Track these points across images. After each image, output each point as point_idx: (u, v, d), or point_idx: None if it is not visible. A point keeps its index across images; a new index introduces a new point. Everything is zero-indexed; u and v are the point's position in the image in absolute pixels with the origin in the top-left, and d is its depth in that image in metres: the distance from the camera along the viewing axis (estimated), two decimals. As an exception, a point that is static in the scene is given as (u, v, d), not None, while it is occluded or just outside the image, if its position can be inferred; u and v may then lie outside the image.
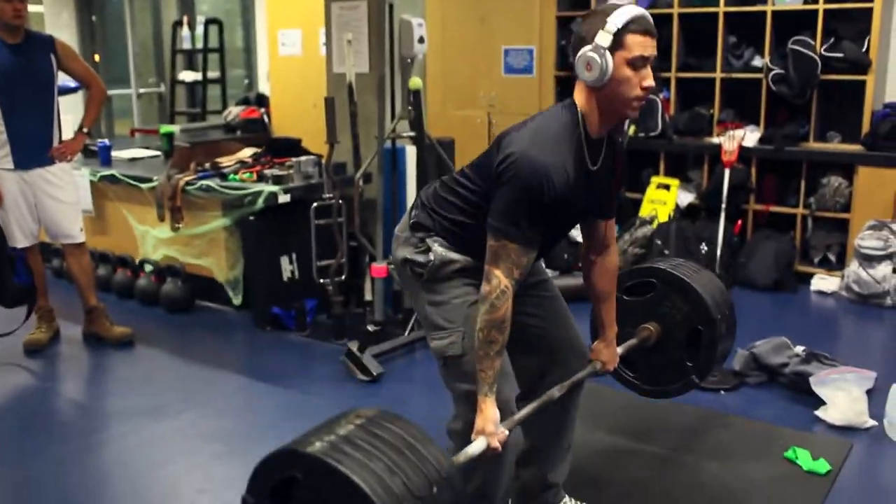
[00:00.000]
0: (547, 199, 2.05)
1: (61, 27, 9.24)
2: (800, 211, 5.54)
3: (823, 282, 5.30)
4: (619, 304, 2.67)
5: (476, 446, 2.06)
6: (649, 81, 2.08)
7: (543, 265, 2.60)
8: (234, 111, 7.27)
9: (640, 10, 2.08)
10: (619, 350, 2.64)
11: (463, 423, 2.25)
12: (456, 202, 2.28)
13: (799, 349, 3.86)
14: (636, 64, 2.06)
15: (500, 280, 2.08)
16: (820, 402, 3.54)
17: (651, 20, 2.08)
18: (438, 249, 2.28)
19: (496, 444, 2.07)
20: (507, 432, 2.11)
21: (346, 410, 1.79)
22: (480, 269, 2.15)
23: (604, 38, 2.04)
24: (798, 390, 3.71)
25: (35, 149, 4.26)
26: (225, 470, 3.19)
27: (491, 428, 2.08)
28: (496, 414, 2.10)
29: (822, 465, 3.05)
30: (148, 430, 3.54)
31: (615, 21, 2.04)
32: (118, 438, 3.49)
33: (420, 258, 2.29)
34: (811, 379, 3.62)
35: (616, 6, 2.08)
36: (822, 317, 5.01)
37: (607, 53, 2.04)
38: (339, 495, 1.58)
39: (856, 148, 5.32)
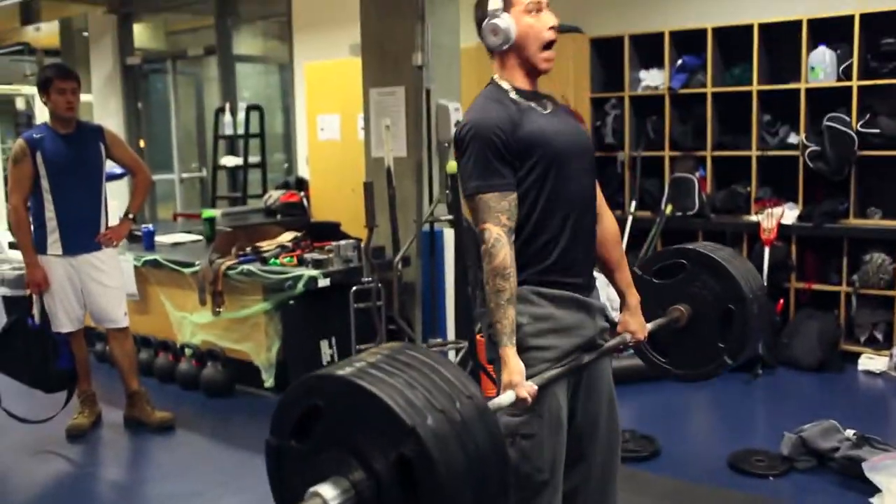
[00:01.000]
0: (498, 140, 2.15)
1: (109, 114, 9.56)
2: (843, 289, 5.46)
3: (871, 361, 5.19)
4: (649, 286, 2.66)
5: (506, 398, 2.05)
6: (552, 20, 2.24)
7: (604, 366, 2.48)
8: (274, 195, 7.40)
9: None
10: (649, 326, 2.58)
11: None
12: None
13: (849, 433, 3.75)
14: (532, 9, 2.22)
15: (490, 231, 2.14)
16: (874, 489, 3.42)
17: None
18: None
19: (524, 393, 2.06)
20: (535, 387, 2.09)
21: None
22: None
23: (495, 2, 2.21)
24: (850, 476, 3.59)
25: (83, 235, 4.36)
26: (265, 560, 3.14)
27: (517, 378, 2.08)
28: (521, 365, 2.11)
29: (880, 557, 2.94)
30: (188, 518, 3.52)
31: None
32: (158, 526, 3.48)
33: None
34: (864, 465, 3.51)
35: None
36: (871, 398, 4.89)
37: (504, 14, 2.21)
38: (359, 412, 1.56)
39: (897, 224, 5.27)
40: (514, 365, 2.10)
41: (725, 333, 2.77)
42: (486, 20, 2.23)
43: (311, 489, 1.55)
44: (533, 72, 2.29)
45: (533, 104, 2.27)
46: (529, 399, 2.07)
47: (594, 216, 2.39)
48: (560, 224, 2.24)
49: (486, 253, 2.14)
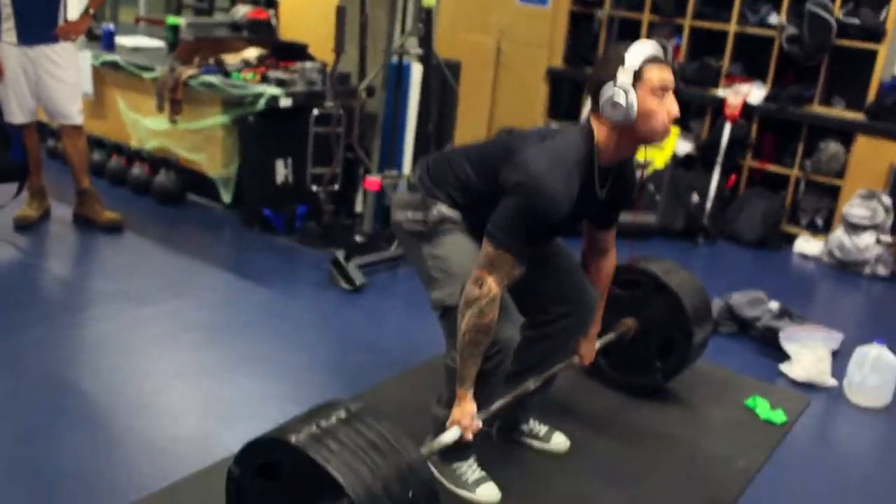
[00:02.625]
0: (551, 223, 2.12)
1: None
2: (794, 172, 5.57)
3: (807, 244, 5.37)
4: (608, 292, 2.75)
5: (450, 435, 2.19)
6: (675, 110, 2.14)
7: None
8: (242, 10, 7.15)
9: (651, 43, 2.14)
10: (597, 344, 2.76)
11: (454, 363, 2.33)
12: (459, 180, 2.32)
13: (773, 304, 3.94)
14: (659, 94, 2.10)
15: (490, 288, 2.12)
16: (786, 357, 3.64)
17: (662, 51, 2.14)
18: (440, 206, 2.32)
19: (469, 436, 2.21)
20: (480, 424, 2.24)
21: (331, 401, 1.90)
22: (479, 232, 2.20)
23: (625, 76, 2.08)
24: (767, 344, 3.81)
25: (39, 26, 4.22)
26: (201, 358, 3.27)
27: (467, 421, 2.20)
28: (473, 408, 2.22)
29: (779, 416, 3.15)
30: (130, 315, 3.61)
31: (632, 58, 2.09)
32: (99, 320, 3.56)
33: (420, 215, 2.34)
34: (781, 334, 3.71)
35: (627, 44, 2.13)
36: (800, 277, 5.10)
37: (631, 90, 2.08)
38: (321, 489, 1.69)
39: (858, 116, 5.33)
40: (467, 408, 2.20)
41: (664, 356, 3.01)
42: (610, 89, 2.10)
43: None
44: (639, 146, 2.23)
45: (596, 186, 2.23)
46: (472, 440, 2.23)
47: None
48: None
49: (476, 303, 2.12)
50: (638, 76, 2.08)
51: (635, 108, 2.08)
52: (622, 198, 2.41)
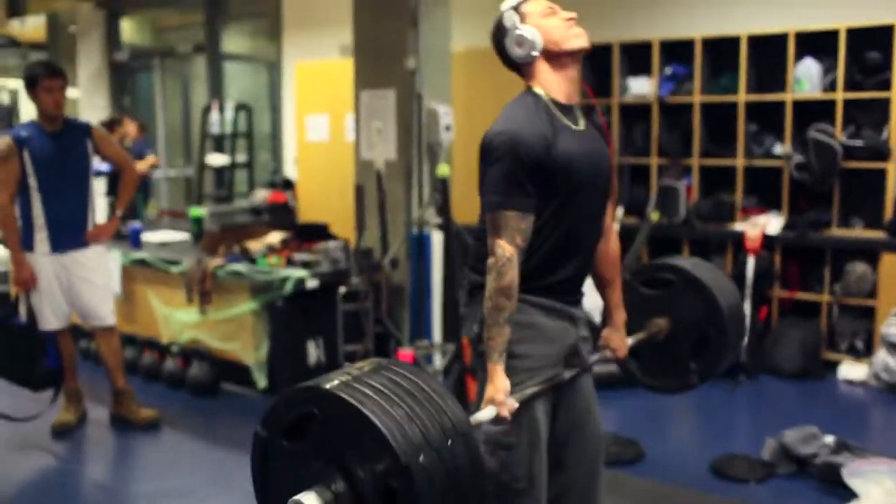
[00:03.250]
0: (529, 161, 2.13)
1: (95, 110, 9.53)
2: (825, 298, 5.53)
3: (851, 370, 5.26)
4: (635, 294, 2.70)
5: (486, 413, 2.09)
6: (568, 13, 2.26)
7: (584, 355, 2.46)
8: (261, 194, 7.41)
9: None
10: (629, 341, 2.63)
11: None
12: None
13: (829, 439, 3.81)
14: (548, 13, 2.25)
15: (503, 249, 2.13)
16: (852, 495, 3.48)
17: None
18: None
19: (505, 412, 2.10)
20: (516, 403, 2.13)
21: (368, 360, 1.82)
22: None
23: (510, 19, 2.25)
24: (829, 482, 3.65)
25: (71, 232, 4.35)
26: (251, 559, 3.16)
27: (501, 396, 2.11)
28: (506, 383, 2.13)
29: (858, 562, 2.99)
30: (174, 517, 3.53)
31: (506, 5, 2.27)
32: (144, 525, 3.48)
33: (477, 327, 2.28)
34: (843, 470, 3.57)
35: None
36: (851, 406, 4.96)
37: (522, 26, 2.24)
38: (356, 434, 1.60)
39: (879, 234, 5.34)
40: (499, 382, 2.13)
41: (699, 355, 2.85)
42: (508, 35, 2.25)
43: (295, 497, 1.61)
44: (570, 63, 2.28)
45: (567, 120, 2.26)
46: (509, 417, 2.12)
47: (598, 234, 2.41)
48: (562, 241, 2.25)
49: (493, 268, 2.13)
50: (521, 14, 2.24)
51: (537, 33, 2.22)
52: (605, 138, 2.40)
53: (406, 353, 4.34)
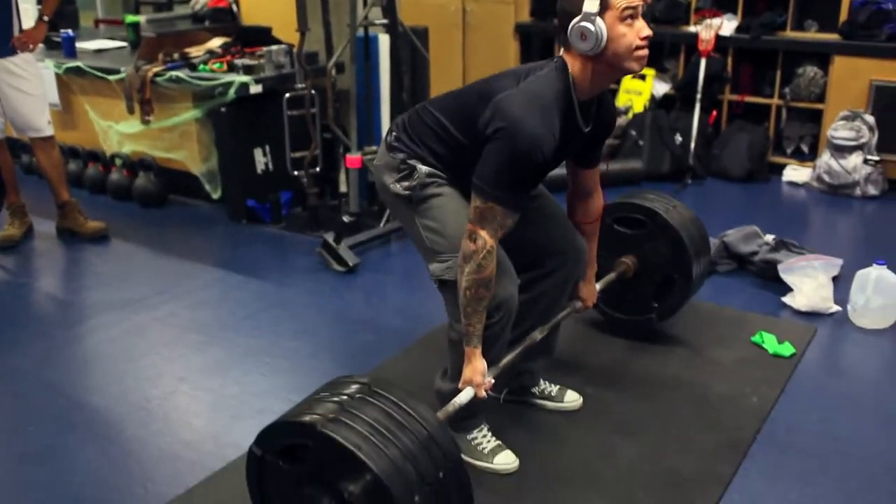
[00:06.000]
0: (536, 165, 2.09)
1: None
2: (774, 101, 5.53)
3: (795, 172, 5.35)
4: (608, 231, 2.76)
5: (464, 396, 2.19)
6: (646, 31, 2.09)
7: None
8: (202, 0, 7.04)
9: None
10: (598, 286, 2.75)
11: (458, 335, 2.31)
12: (437, 134, 2.27)
13: (769, 238, 3.92)
14: (627, 18, 2.06)
15: (485, 241, 2.11)
16: (787, 289, 3.63)
17: None
18: (423, 166, 2.28)
19: (483, 393, 2.21)
20: (492, 380, 2.23)
21: (340, 378, 1.90)
22: (467, 185, 2.17)
23: (590, 5, 2.04)
24: (767, 278, 3.79)
25: (-5, 39, 4.13)
26: (204, 359, 3.24)
27: (479, 379, 2.20)
28: (483, 365, 2.21)
29: (787, 349, 3.15)
30: (127, 322, 3.57)
31: None
32: (98, 330, 3.52)
33: (404, 178, 2.29)
34: (779, 266, 3.69)
35: None
36: (792, 207, 5.08)
37: (597, 18, 2.04)
38: (351, 471, 1.68)
39: (832, 37, 5.28)
40: (478, 365, 2.20)
41: (662, 296, 2.98)
42: (577, 20, 2.06)
43: None
44: (615, 76, 2.20)
45: (580, 118, 2.19)
46: (486, 398, 2.22)
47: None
48: None
49: (472, 259, 2.11)
50: (604, 4, 2.05)
51: (605, 35, 2.05)
52: (604, 132, 2.39)
53: (354, 158, 4.29)
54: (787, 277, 3.65)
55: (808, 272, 3.63)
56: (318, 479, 1.76)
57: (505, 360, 2.33)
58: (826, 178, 5.11)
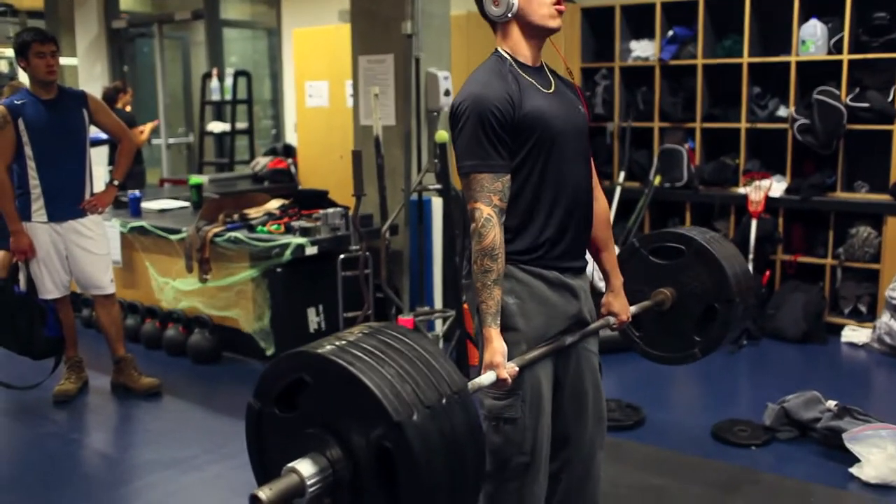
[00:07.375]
0: (495, 120, 2.10)
1: (94, 79, 9.45)
2: (828, 261, 5.49)
3: (854, 333, 5.24)
4: (644, 262, 2.68)
5: (486, 378, 2.05)
6: None
7: (590, 315, 2.42)
8: (262, 162, 7.36)
9: None
10: (633, 309, 2.58)
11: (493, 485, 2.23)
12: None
13: (831, 404, 3.79)
14: None
15: (481, 211, 2.11)
16: (854, 459, 3.48)
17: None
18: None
19: (505, 375, 2.05)
20: (516, 368, 2.10)
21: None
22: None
23: None
24: (831, 446, 3.64)
25: (68, 201, 4.33)
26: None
27: (499, 359, 2.07)
28: (503, 346, 2.10)
29: (858, 526, 2.99)
30: (175, 483, 3.53)
31: None
32: (146, 490, 3.49)
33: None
34: (844, 435, 3.55)
35: None
36: (853, 370, 4.94)
37: None
38: (347, 396, 1.58)
39: (884, 197, 5.28)
40: (496, 345, 2.09)
41: (704, 328, 2.81)
42: None
43: (290, 465, 1.59)
44: (540, 36, 2.24)
45: (534, 81, 2.21)
46: (509, 380, 2.07)
47: (590, 200, 2.35)
48: (551, 206, 2.21)
49: (475, 232, 2.12)
50: None
51: None
52: (579, 99, 2.34)
53: (406, 319, 4.32)
54: (853, 447, 3.50)
55: (876, 441, 3.48)
56: (317, 417, 1.65)
57: (531, 355, 2.18)
58: (887, 339, 4.99)
